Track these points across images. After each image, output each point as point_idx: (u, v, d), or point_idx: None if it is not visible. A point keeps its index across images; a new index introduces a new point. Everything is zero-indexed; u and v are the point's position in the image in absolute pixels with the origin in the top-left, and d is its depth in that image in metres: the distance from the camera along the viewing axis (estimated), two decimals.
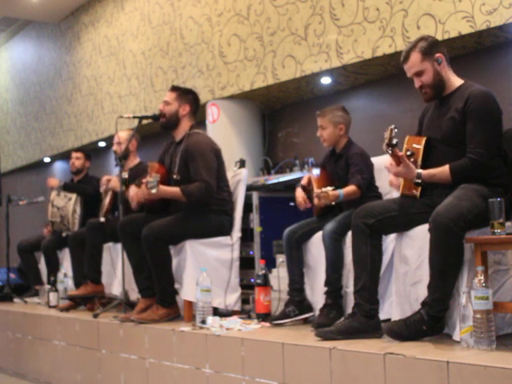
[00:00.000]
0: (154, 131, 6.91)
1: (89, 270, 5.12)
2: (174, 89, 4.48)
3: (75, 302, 5.36)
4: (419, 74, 3.25)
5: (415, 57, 3.24)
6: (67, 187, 5.98)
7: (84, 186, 6.03)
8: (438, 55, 3.24)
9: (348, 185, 3.81)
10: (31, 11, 8.39)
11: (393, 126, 3.04)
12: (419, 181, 3.14)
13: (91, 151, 8.46)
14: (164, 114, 4.39)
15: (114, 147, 5.33)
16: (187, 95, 4.45)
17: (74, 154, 6.26)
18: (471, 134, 3.13)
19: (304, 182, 4.09)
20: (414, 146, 3.28)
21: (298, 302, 3.92)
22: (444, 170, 3.14)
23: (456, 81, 3.29)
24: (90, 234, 5.07)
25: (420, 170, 3.15)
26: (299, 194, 4.03)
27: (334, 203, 3.73)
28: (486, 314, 2.76)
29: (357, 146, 4.00)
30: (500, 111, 3.20)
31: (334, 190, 3.72)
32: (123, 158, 4.46)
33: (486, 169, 3.12)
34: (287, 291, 3.97)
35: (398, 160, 3.12)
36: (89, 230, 5.10)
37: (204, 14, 6.17)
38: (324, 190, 3.69)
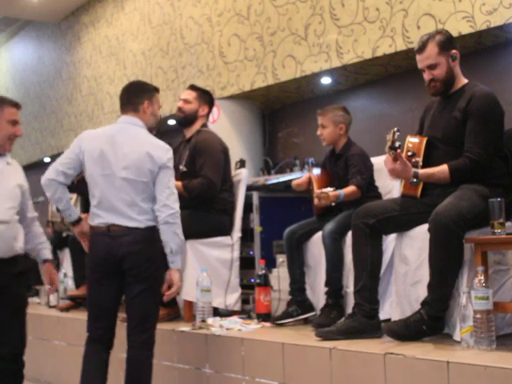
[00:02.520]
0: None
1: None
2: (194, 88, 4.52)
3: (75, 302, 5.36)
4: (433, 67, 3.21)
5: (432, 49, 3.20)
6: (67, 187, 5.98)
7: (83, 186, 6.01)
8: (454, 51, 3.22)
9: (348, 185, 3.82)
10: (31, 11, 8.39)
11: (395, 129, 3.03)
12: (415, 180, 3.14)
13: None
14: (184, 111, 4.41)
15: None
16: (207, 96, 4.50)
17: None
18: (471, 134, 3.13)
19: (303, 178, 4.10)
20: (415, 146, 3.28)
21: (300, 301, 3.91)
22: (442, 169, 3.13)
23: (462, 80, 3.29)
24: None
25: (417, 170, 3.15)
26: (295, 181, 4.07)
27: (334, 204, 3.73)
28: (486, 314, 2.76)
29: (356, 146, 3.99)
30: (502, 113, 3.19)
31: (334, 190, 3.72)
32: None
33: (485, 169, 3.12)
34: (289, 291, 3.97)
35: (396, 158, 3.11)
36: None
37: (204, 14, 6.17)
38: (324, 190, 3.69)
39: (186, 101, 4.44)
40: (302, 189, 4.07)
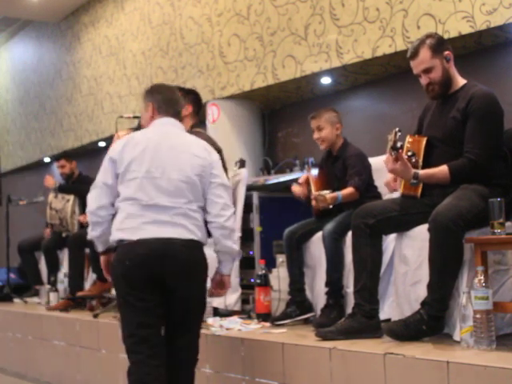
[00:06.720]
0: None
1: (95, 269, 5.12)
2: (177, 89, 4.48)
3: (75, 302, 5.35)
4: (428, 70, 3.22)
5: (425, 53, 3.21)
6: (62, 189, 5.91)
7: (79, 186, 5.90)
8: (446, 53, 3.23)
9: (346, 187, 3.82)
10: (31, 11, 8.38)
11: (397, 129, 3.03)
12: (415, 181, 3.14)
13: (91, 151, 8.46)
14: None
15: None
16: (189, 95, 4.45)
17: (57, 164, 6.19)
18: (471, 134, 3.13)
19: (301, 180, 4.09)
20: (415, 146, 3.27)
21: (299, 302, 3.92)
22: (442, 169, 3.14)
23: (460, 80, 3.29)
24: None
25: (417, 170, 3.15)
26: (295, 187, 4.04)
27: (331, 206, 3.73)
28: (486, 314, 2.76)
29: (353, 146, 4.00)
30: (502, 113, 3.19)
31: (331, 192, 3.73)
32: None
33: (485, 169, 3.12)
34: (288, 291, 3.97)
35: (397, 158, 3.11)
36: None
37: (204, 14, 6.17)
38: (322, 193, 3.70)
39: None
40: (302, 196, 4.04)
